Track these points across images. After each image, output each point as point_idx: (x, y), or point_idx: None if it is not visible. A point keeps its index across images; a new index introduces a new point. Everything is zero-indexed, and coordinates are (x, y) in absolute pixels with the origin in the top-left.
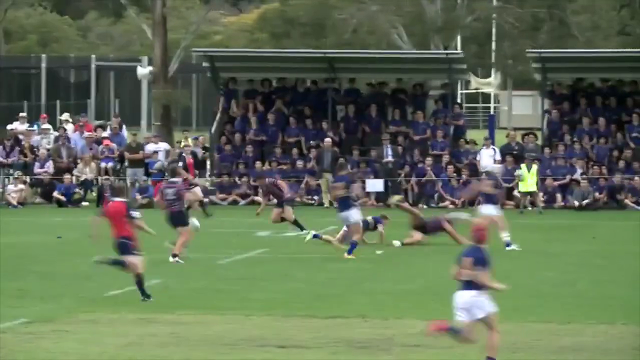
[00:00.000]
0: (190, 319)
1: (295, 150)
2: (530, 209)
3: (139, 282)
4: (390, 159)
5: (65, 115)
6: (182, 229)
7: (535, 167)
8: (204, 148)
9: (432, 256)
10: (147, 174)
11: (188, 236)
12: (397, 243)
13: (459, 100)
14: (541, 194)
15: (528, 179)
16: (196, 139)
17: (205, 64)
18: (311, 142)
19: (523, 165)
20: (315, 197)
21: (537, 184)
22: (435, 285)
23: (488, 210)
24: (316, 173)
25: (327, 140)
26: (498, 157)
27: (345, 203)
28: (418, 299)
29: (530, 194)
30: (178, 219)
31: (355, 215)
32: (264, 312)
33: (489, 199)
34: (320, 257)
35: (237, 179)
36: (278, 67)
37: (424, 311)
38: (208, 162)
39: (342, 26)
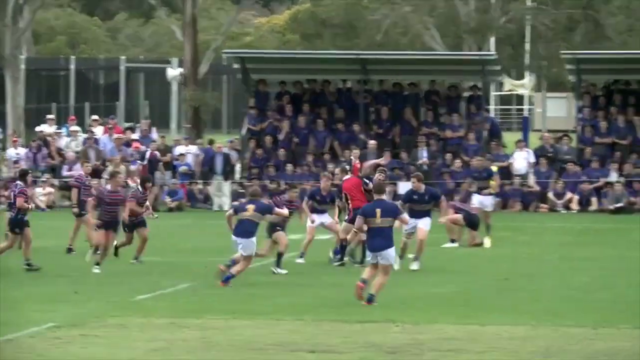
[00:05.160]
0: (219, 324)
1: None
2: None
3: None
4: (425, 160)
5: (94, 117)
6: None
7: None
8: (235, 150)
9: (462, 260)
10: (174, 176)
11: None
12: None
13: (492, 102)
14: (576, 196)
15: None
16: (231, 141)
17: (235, 66)
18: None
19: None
20: None
21: None
22: (466, 290)
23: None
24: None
25: (372, 142)
26: (532, 159)
27: None
28: (449, 304)
29: None
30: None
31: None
32: (293, 317)
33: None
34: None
35: (268, 182)
36: (309, 68)
37: (456, 316)
38: (239, 165)
39: (374, 27)
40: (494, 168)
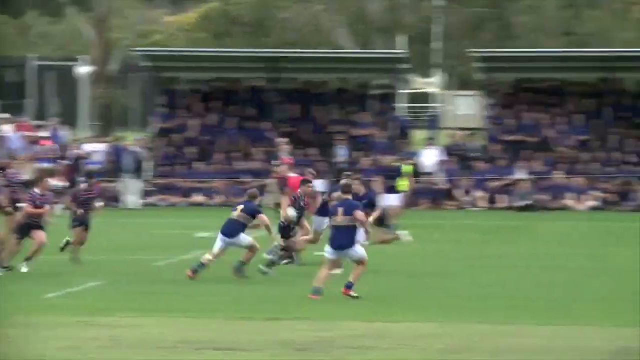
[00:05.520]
0: (129, 322)
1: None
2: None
3: None
4: (342, 158)
5: (3, 116)
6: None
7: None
8: (145, 148)
9: (371, 258)
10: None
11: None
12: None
13: (402, 101)
14: (485, 194)
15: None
16: (139, 139)
17: (146, 64)
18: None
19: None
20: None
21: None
22: (375, 288)
23: (390, 199)
24: (266, 173)
25: (282, 140)
26: (441, 157)
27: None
28: (358, 301)
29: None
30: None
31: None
32: (203, 315)
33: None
34: (263, 258)
35: (179, 180)
36: (220, 67)
37: (365, 313)
38: (148, 163)
39: (285, 26)
40: (407, 167)
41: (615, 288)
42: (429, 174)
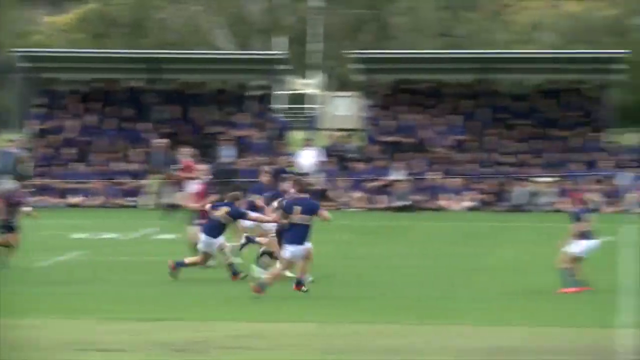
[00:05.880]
0: (8, 323)
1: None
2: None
3: None
4: (229, 159)
5: None
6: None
7: None
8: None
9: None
10: None
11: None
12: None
13: (282, 101)
14: (362, 194)
15: None
16: (15, 140)
17: (24, 64)
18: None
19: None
20: (134, 199)
21: None
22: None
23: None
24: (144, 174)
25: (159, 140)
26: (319, 157)
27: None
28: (236, 301)
29: None
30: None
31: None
32: (82, 315)
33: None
34: (139, 260)
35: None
36: (99, 67)
37: (243, 313)
38: (25, 164)
39: (164, 26)
40: (292, 168)
41: (491, 287)
42: (307, 174)
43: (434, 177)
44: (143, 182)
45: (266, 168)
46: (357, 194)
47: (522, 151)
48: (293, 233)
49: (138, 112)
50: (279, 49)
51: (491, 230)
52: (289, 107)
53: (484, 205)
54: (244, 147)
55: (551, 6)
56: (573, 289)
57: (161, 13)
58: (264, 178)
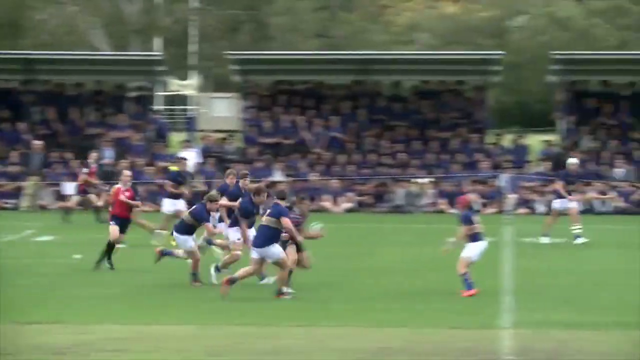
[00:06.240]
0: None
1: None
2: None
3: None
4: (107, 160)
5: None
6: None
7: None
8: None
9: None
10: None
11: None
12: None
13: (159, 102)
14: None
15: None
16: None
17: None
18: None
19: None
20: (13, 201)
21: None
22: (138, 291)
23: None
24: (23, 176)
25: (37, 142)
26: (198, 159)
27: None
28: (116, 304)
29: None
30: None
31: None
32: None
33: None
34: (18, 262)
35: None
36: None
37: (122, 316)
38: None
39: (40, 27)
40: (174, 168)
41: (372, 288)
42: (192, 176)
43: (313, 178)
44: (23, 184)
45: (232, 171)
46: None
47: (401, 152)
48: (256, 234)
49: (15, 113)
50: (156, 50)
51: (371, 232)
52: (168, 109)
53: (363, 207)
54: (123, 148)
55: (429, 7)
56: (473, 292)
57: (38, 13)
58: (229, 180)
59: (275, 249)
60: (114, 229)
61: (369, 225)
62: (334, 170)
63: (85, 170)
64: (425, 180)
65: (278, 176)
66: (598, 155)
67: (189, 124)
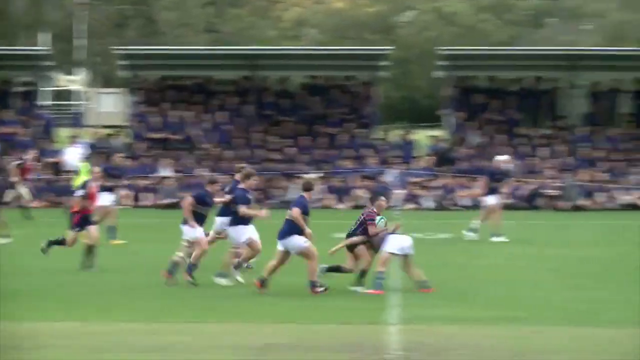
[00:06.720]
0: None
1: None
2: None
3: None
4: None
5: None
6: None
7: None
8: None
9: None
10: None
11: None
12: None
13: (47, 98)
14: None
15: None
16: None
17: None
18: None
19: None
20: None
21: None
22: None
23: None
24: None
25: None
26: (86, 154)
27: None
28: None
29: None
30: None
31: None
32: None
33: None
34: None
35: None
36: None
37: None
38: None
39: None
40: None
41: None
42: (73, 171)
43: (201, 174)
44: None
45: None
46: (124, 192)
47: (289, 147)
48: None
49: None
50: (42, 44)
51: (261, 228)
52: (55, 104)
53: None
54: (10, 144)
55: (317, 3)
56: (379, 291)
57: None
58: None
59: (297, 240)
60: (95, 229)
61: (257, 222)
62: (222, 166)
63: (17, 164)
64: (313, 175)
65: (166, 172)
66: (485, 150)
67: (76, 120)
